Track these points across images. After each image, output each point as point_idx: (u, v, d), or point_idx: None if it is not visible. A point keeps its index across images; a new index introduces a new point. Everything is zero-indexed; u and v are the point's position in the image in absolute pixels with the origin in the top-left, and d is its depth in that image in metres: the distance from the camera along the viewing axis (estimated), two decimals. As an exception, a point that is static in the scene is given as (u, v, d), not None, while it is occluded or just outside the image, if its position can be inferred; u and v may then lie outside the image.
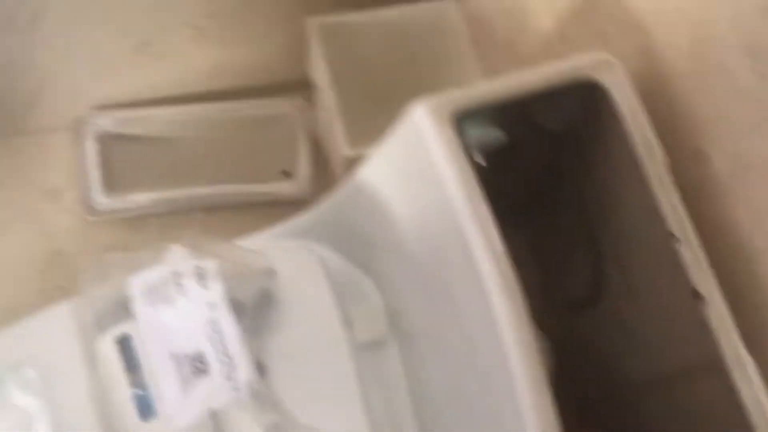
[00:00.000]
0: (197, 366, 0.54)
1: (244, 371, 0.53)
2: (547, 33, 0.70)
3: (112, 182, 0.93)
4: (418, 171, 0.53)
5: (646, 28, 0.56)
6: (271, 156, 0.98)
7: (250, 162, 0.98)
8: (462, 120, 0.52)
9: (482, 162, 0.55)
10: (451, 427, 0.60)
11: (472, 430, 0.56)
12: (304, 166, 0.96)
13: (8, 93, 0.90)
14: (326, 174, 0.97)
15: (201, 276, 0.56)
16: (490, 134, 0.54)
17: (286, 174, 0.97)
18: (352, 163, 0.86)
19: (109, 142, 0.95)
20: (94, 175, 0.93)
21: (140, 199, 0.92)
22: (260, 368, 0.58)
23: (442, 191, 0.50)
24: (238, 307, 0.57)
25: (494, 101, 0.51)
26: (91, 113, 0.94)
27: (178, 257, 0.57)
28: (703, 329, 0.48)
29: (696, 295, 0.49)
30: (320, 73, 0.88)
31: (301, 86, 0.98)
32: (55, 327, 0.60)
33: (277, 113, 0.98)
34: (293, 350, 0.61)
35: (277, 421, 0.53)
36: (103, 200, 0.92)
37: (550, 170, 0.60)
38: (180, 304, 0.55)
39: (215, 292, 0.56)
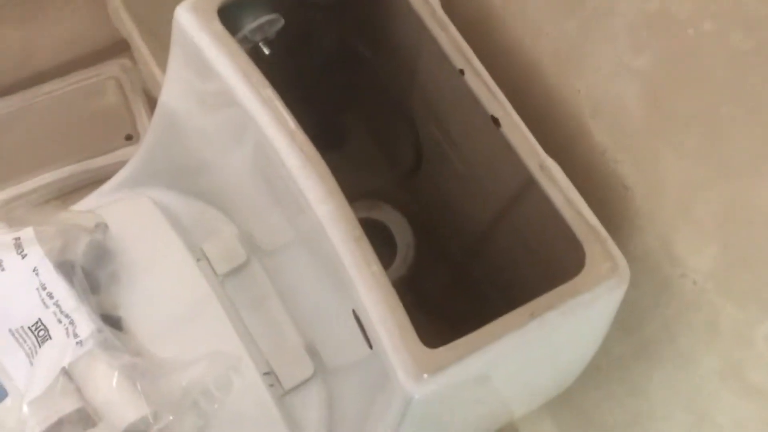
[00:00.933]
0: (39, 335, 0.52)
1: (86, 325, 0.52)
2: None
3: (-50, 196, 0.89)
4: (199, 74, 0.51)
5: None
6: (111, 124, 0.95)
7: (91, 136, 0.94)
8: (233, 11, 0.51)
9: (268, 51, 0.54)
10: (318, 320, 0.60)
11: (331, 316, 0.56)
12: (144, 126, 0.93)
13: None
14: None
15: (18, 245, 0.54)
16: (264, 20, 0.53)
17: (130, 138, 0.94)
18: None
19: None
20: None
21: (-16, 203, 0.88)
22: (113, 321, 0.56)
23: (224, 86, 0.49)
24: (68, 267, 0.55)
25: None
26: None
27: (-10, 234, 0.55)
28: (509, 151, 0.49)
29: (495, 121, 0.49)
30: (126, 25, 0.85)
31: (119, 47, 0.94)
32: None
33: (104, 79, 0.94)
34: (149, 295, 0.60)
35: (133, 362, 0.52)
36: (-55, 216, 0.88)
37: (343, 46, 0.59)
38: (3, 278, 0.53)
39: (35, 257, 0.54)
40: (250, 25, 0.52)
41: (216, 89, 0.50)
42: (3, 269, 0.53)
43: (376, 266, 0.45)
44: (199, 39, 0.49)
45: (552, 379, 0.61)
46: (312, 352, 0.64)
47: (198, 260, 0.63)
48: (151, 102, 0.95)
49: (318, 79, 0.60)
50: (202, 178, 0.66)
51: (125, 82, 0.95)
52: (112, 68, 0.96)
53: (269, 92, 0.48)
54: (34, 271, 0.53)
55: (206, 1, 0.50)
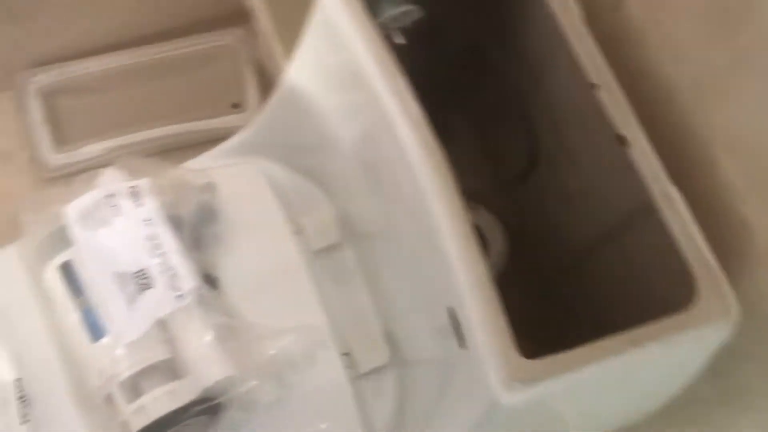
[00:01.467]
0: (141, 282, 0.54)
1: (188, 279, 0.54)
2: None
3: (61, 138, 0.92)
4: (335, 54, 0.52)
5: None
6: (219, 91, 0.97)
7: (199, 99, 0.96)
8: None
9: (402, 41, 0.54)
10: (403, 309, 0.60)
11: (420, 308, 0.56)
12: (253, 97, 0.95)
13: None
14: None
15: (135, 195, 0.56)
16: (403, 9, 0.53)
17: (236, 106, 0.96)
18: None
19: (52, 98, 0.94)
20: (42, 133, 0.92)
21: (92, 150, 0.92)
22: (211, 280, 0.58)
23: (359, 70, 0.50)
24: (177, 222, 0.57)
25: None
26: (31, 72, 0.93)
27: (111, 179, 0.57)
28: (631, 172, 0.48)
29: (621, 140, 0.48)
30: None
31: (238, 16, 0.96)
32: (5, 267, 0.60)
33: (219, 46, 0.97)
34: (245, 260, 0.61)
35: (228, 323, 0.53)
36: (54, 157, 0.91)
37: (473, 45, 0.59)
38: (117, 224, 0.55)
39: (150, 207, 0.55)
40: (389, 12, 0.53)
41: (349, 71, 0.51)
42: (119, 214, 0.55)
43: (483, 267, 0.44)
44: (342, 20, 0.50)
45: (630, 409, 0.60)
46: (390, 340, 0.64)
47: (294, 233, 0.64)
48: (262, 75, 0.97)
49: (438, 71, 0.60)
50: (310, 156, 0.67)
51: (239, 51, 0.97)
52: (228, 37, 0.98)
53: (401, 81, 0.48)
54: (146, 220, 0.55)
55: (352, -17, 0.50)
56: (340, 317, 0.63)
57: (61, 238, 0.56)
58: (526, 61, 0.57)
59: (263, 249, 0.62)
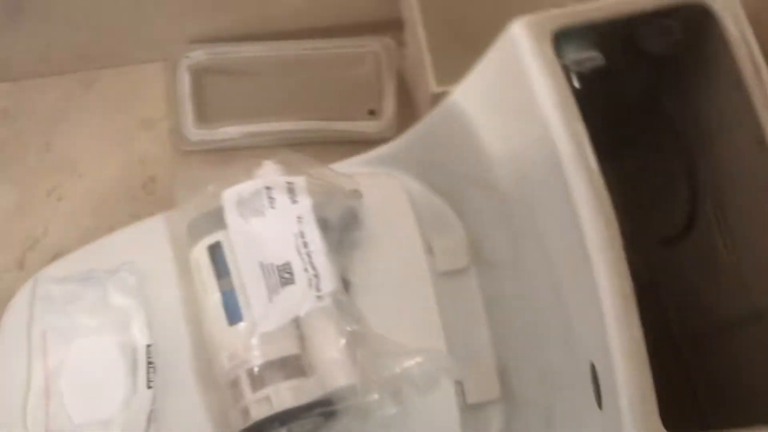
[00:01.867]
0: (284, 276, 0.55)
1: (329, 282, 0.55)
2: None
3: (203, 114, 0.96)
4: (512, 89, 0.52)
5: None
6: (359, 95, 0.99)
7: (337, 99, 0.98)
8: (560, 39, 0.51)
9: (576, 84, 0.54)
10: (523, 348, 0.60)
11: (544, 351, 0.55)
12: (389, 106, 0.96)
13: (107, 25, 0.93)
14: (411, 114, 0.97)
15: (291, 190, 0.58)
16: (588, 56, 0.53)
17: (372, 113, 0.98)
18: (439, 101, 0.86)
19: (201, 75, 0.97)
20: (187, 106, 0.95)
21: (230, 131, 0.95)
22: (345, 284, 0.59)
23: (536, 110, 0.50)
24: (324, 224, 0.58)
25: (597, 20, 0.50)
26: (186, 47, 0.97)
27: (269, 172, 0.59)
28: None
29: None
30: (411, 10, 0.88)
31: (388, 25, 0.97)
32: (152, 236, 0.62)
33: (365, 51, 0.98)
34: (376, 270, 0.62)
35: (358, 330, 0.54)
36: (194, 131, 0.95)
37: (647, 97, 0.58)
38: (270, 216, 0.56)
39: (304, 206, 0.57)
40: (573, 56, 0.52)
41: (524, 107, 0.51)
42: (273, 207, 0.57)
43: (639, 332, 0.44)
44: (527, 56, 0.50)
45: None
46: (502, 376, 0.64)
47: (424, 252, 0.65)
48: (402, 85, 0.98)
49: (607, 118, 0.60)
50: (451, 177, 0.68)
51: (384, 59, 0.99)
52: (376, 44, 0.99)
53: (581, 128, 0.48)
54: (298, 217, 0.56)
55: (543, 23, 0.50)
56: (458, 344, 0.63)
57: (213, 219, 0.58)
58: (702, 115, 0.56)
59: (396, 262, 0.63)
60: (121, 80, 0.97)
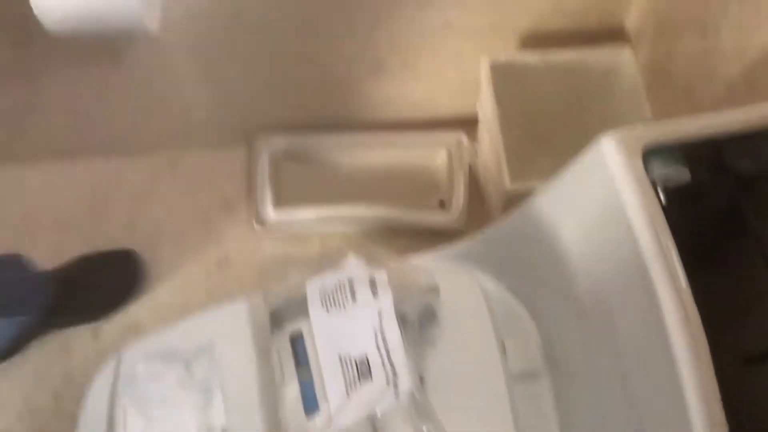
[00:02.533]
0: (362, 370, 0.56)
1: (406, 380, 0.55)
2: (734, 80, 0.69)
3: (281, 198, 0.99)
4: (600, 201, 0.53)
5: None
6: (430, 185, 1.01)
7: (409, 189, 1.01)
8: (648, 154, 0.52)
9: (663, 200, 0.55)
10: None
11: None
12: (459, 198, 0.98)
13: (191, 109, 0.98)
14: (481, 208, 0.98)
15: (373, 285, 0.59)
16: (675, 172, 0.54)
17: (442, 205, 1.00)
18: (512, 198, 0.87)
19: (280, 160, 1.01)
20: (266, 190, 0.99)
21: (305, 215, 0.97)
22: (419, 379, 0.59)
23: (625, 224, 0.50)
24: (403, 319, 0.59)
25: (687, 138, 0.51)
26: (267, 132, 1.01)
27: (353, 265, 0.60)
28: None
29: None
30: (488, 110, 0.91)
31: (463, 122, 1.00)
32: (234, 320, 0.64)
33: (439, 145, 1.01)
34: (450, 367, 0.62)
35: (432, 430, 0.54)
36: (272, 214, 0.98)
37: (734, 214, 0.58)
38: (351, 309, 0.58)
39: (385, 302, 0.58)
40: (660, 171, 0.53)
41: (611, 219, 0.52)
42: (355, 300, 0.58)
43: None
44: (618, 171, 0.51)
45: None
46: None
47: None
48: (471, 178, 1.00)
49: (691, 233, 0.60)
50: (526, 277, 0.68)
51: (455, 154, 1.01)
52: (449, 138, 1.02)
53: (669, 242, 0.48)
54: (378, 312, 0.57)
55: (634, 139, 0.52)
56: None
57: (295, 308, 0.60)
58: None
59: (470, 360, 0.63)
60: (204, 162, 1.02)
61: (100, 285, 0.92)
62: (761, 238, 0.57)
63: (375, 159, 1.03)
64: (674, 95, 0.82)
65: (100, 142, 1.00)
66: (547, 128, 0.93)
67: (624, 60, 0.89)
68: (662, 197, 0.54)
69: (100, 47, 0.85)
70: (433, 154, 1.03)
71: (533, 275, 0.67)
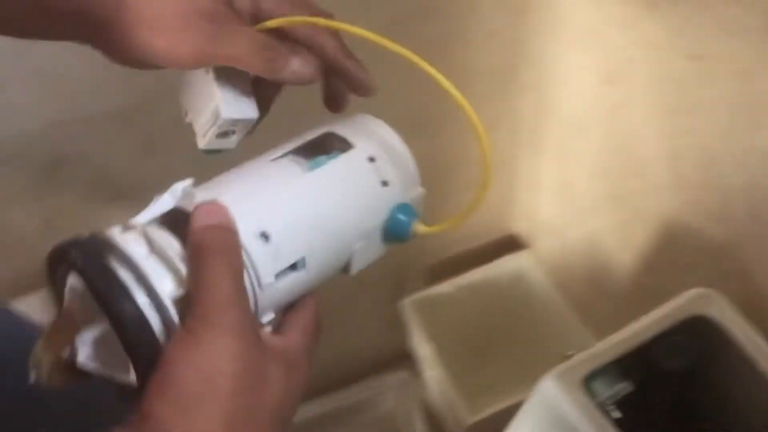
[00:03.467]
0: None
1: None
2: (632, 267, 0.74)
3: None
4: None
5: (736, 254, 0.60)
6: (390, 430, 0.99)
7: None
8: (590, 381, 0.55)
9: (616, 414, 0.56)
10: None
11: None
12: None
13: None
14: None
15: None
16: (618, 387, 0.56)
17: (407, 452, 0.98)
18: (478, 427, 0.86)
19: None
20: None
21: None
22: None
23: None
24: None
25: (616, 356, 0.54)
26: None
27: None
28: None
29: None
30: (421, 345, 0.92)
31: (400, 359, 1.01)
32: None
33: (384, 389, 1.01)
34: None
35: None
36: None
37: (683, 407, 0.60)
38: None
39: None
40: (605, 391, 0.55)
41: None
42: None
43: None
44: (565, 406, 0.53)
45: None
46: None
47: None
48: (427, 412, 0.99)
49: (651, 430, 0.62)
50: None
51: (405, 393, 1.01)
52: (393, 379, 1.02)
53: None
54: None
55: (572, 372, 0.54)
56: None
57: None
58: (737, 419, 0.58)
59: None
60: None
61: None
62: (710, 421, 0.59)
63: (328, 423, 1.01)
64: (583, 288, 0.87)
65: None
66: (484, 344, 0.95)
67: (526, 265, 0.95)
68: (614, 413, 0.56)
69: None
70: (380, 400, 1.02)
71: None
